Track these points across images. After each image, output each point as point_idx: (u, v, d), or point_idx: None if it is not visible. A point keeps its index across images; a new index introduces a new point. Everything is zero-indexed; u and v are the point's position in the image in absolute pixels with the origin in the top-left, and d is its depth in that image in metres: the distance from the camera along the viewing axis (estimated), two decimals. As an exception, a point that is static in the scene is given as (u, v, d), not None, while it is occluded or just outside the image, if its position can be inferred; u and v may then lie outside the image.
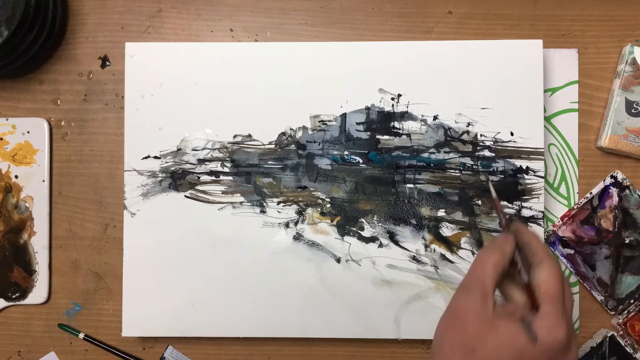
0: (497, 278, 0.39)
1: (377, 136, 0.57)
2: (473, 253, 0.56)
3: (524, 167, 0.56)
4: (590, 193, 0.57)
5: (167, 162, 0.57)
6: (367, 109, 0.57)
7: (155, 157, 0.57)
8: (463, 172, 0.56)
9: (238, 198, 0.57)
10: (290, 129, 0.57)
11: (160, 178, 0.57)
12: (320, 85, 0.57)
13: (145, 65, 0.58)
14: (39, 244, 0.59)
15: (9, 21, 0.53)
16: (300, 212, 0.57)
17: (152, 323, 0.57)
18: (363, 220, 0.56)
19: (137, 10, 0.60)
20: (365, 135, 0.57)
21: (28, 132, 0.60)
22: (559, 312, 0.37)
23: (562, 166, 0.58)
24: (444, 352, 0.39)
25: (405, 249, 0.56)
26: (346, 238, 0.56)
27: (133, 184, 0.57)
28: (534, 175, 0.56)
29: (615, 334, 0.57)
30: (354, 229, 0.56)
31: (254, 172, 0.57)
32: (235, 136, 0.57)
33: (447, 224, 0.56)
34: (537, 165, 0.56)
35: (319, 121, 0.57)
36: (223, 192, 0.57)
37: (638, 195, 0.57)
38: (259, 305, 0.56)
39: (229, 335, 0.57)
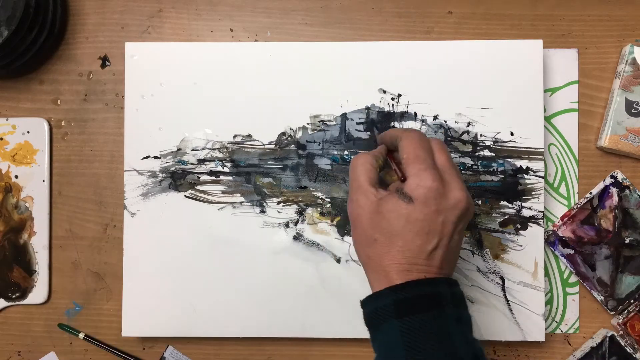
0: (368, 174, 0.44)
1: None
2: (473, 253, 0.56)
3: (524, 167, 0.56)
4: (590, 193, 0.57)
5: (167, 162, 0.57)
6: (367, 109, 0.57)
7: (155, 157, 0.57)
8: (463, 172, 0.56)
9: (238, 198, 0.57)
10: (290, 129, 0.57)
11: (160, 178, 0.57)
12: (320, 85, 0.57)
13: (145, 65, 0.58)
14: (39, 244, 0.59)
15: (9, 21, 0.53)
16: (300, 212, 0.57)
17: (152, 323, 0.57)
18: (363, 220, 0.56)
19: (137, 10, 0.60)
20: (365, 135, 0.57)
21: (28, 132, 0.60)
22: (422, 166, 0.41)
23: (562, 166, 0.58)
24: (363, 260, 0.44)
25: (405, 249, 0.56)
26: (346, 238, 0.56)
27: (133, 184, 0.57)
28: (534, 175, 0.56)
29: (615, 334, 0.57)
30: (354, 229, 0.56)
31: (254, 172, 0.57)
32: (235, 136, 0.57)
33: (447, 224, 0.56)
34: (537, 165, 0.56)
35: (319, 121, 0.57)
36: (223, 192, 0.57)
37: (638, 195, 0.57)
38: (259, 305, 0.56)
39: (229, 335, 0.57)
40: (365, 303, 0.42)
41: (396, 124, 0.56)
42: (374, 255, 0.42)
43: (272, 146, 0.57)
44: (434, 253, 0.41)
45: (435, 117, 0.56)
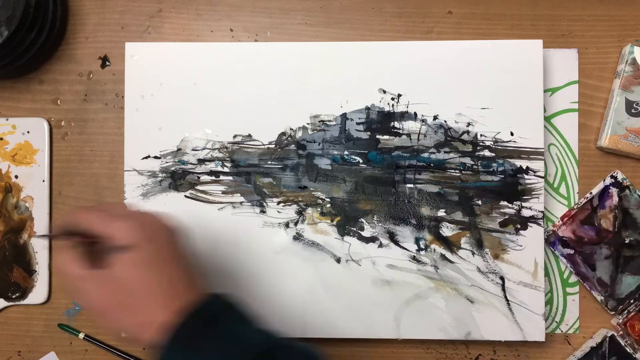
0: (69, 262, 0.42)
1: (377, 136, 0.57)
2: (473, 253, 0.56)
3: (524, 167, 0.56)
4: (590, 193, 0.57)
5: (167, 162, 0.57)
6: (367, 109, 0.57)
7: (155, 157, 0.57)
8: (463, 172, 0.56)
9: (238, 198, 0.57)
10: (290, 129, 0.57)
11: (160, 178, 0.57)
12: (320, 85, 0.57)
13: (145, 65, 0.58)
14: (39, 244, 0.59)
15: (9, 21, 0.53)
16: (300, 212, 0.57)
17: (152, 323, 0.57)
18: (363, 220, 0.56)
19: (137, 10, 0.60)
20: (365, 135, 0.57)
21: (28, 132, 0.60)
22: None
23: (562, 166, 0.58)
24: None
25: (405, 249, 0.56)
26: (346, 238, 0.56)
27: (133, 184, 0.57)
28: (534, 175, 0.56)
29: (615, 334, 0.57)
30: (354, 229, 0.56)
31: (254, 172, 0.57)
32: (235, 136, 0.57)
33: (447, 224, 0.56)
34: (537, 165, 0.56)
35: (319, 121, 0.57)
36: (223, 192, 0.57)
37: (638, 195, 0.57)
38: (259, 305, 0.56)
39: (229, 335, 0.57)
40: None
41: (396, 124, 0.56)
42: None
43: (272, 146, 0.57)
44: None
45: (435, 117, 0.56)
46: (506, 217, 0.56)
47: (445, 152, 0.56)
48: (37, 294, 0.59)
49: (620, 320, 0.57)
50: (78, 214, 0.43)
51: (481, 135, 0.56)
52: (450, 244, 0.56)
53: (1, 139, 0.60)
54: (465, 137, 0.56)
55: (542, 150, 0.56)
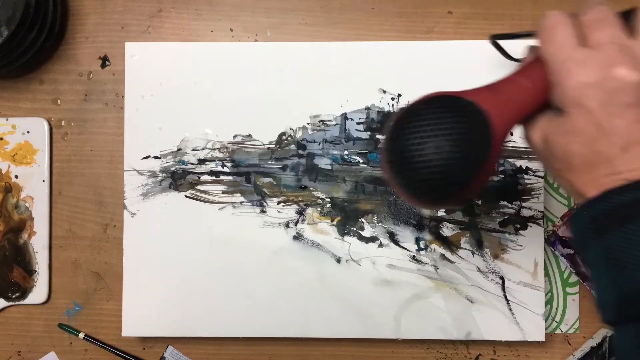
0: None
1: (377, 136, 0.57)
2: (473, 253, 0.56)
3: (524, 167, 0.56)
4: (590, 193, 0.57)
5: (167, 162, 0.57)
6: (367, 109, 0.57)
7: (156, 157, 0.57)
8: (463, 172, 0.56)
9: (238, 198, 0.57)
10: (290, 129, 0.57)
11: (160, 178, 0.57)
12: (320, 85, 0.57)
13: (145, 65, 0.58)
14: (39, 244, 0.59)
15: (9, 21, 0.53)
16: (300, 212, 0.57)
17: (152, 323, 0.57)
18: (363, 220, 0.56)
19: (137, 10, 0.60)
20: (365, 135, 0.57)
21: (28, 132, 0.60)
22: None
23: (562, 166, 0.58)
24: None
25: (405, 249, 0.56)
26: (346, 238, 0.56)
27: (133, 184, 0.57)
28: (534, 175, 0.56)
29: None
30: (354, 229, 0.56)
31: (254, 172, 0.57)
32: (235, 136, 0.57)
33: (447, 224, 0.56)
34: (537, 165, 0.56)
35: (319, 121, 0.57)
36: (223, 192, 0.57)
37: (638, 195, 0.57)
38: (259, 305, 0.56)
39: (229, 335, 0.57)
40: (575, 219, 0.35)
41: (396, 124, 0.56)
42: None
43: (272, 146, 0.57)
44: None
45: (435, 117, 0.56)
46: (506, 217, 0.56)
47: (445, 152, 0.56)
48: (37, 294, 0.59)
49: (620, 320, 0.57)
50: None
51: (481, 135, 0.56)
52: (450, 244, 0.56)
53: (1, 139, 0.60)
54: (465, 137, 0.56)
55: (542, 150, 0.56)
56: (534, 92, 0.35)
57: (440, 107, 0.35)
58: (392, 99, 0.56)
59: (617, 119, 0.32)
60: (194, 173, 0.57)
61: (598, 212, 0.33)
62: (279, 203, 0.57)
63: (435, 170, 0.34)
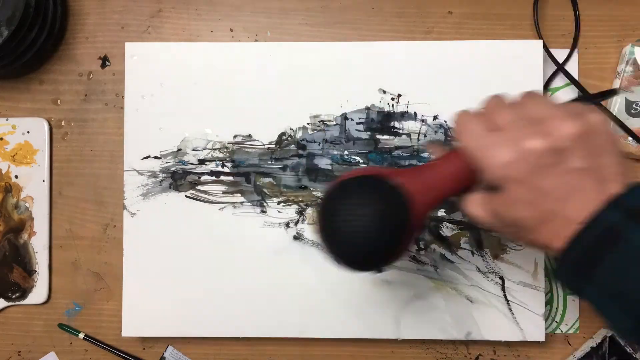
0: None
1: (377, 136, 0.57)
2: (473, 253, 0.56)
3: (524, 167, 0.56)
4: (590, 193, 0.57)
5: (167, 162, 0.57)
6: (367, 109, 0.57)
7: (156, 157, 0.57)
8: (463, 172, 0.56)
9: (238, 198, 0.57)
10: (290, 129, 0.57)
11: (160, 178, 0.57)
12: (320, 85, 0.57)
13: (145, 65, 0.58)
14: (39, 244, 0.59)
15: (9, 21, 0.53)
16: (300, 212, 0.57)
17: (152, 323, 0.57)
18: (363, 220, 0.56)
19: (137, 10, 0.60)
20: (365, 135, 0.57)
21: (28, 132, 0.60)
22: None
23: (562, 166, 0.58)
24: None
25: (405, 249, 0.56)
26: (346, 238, 0.56)
27: (133, 184, 0.57)
28: (534, 175, 0.56)
29: (615, 334, 0.57)
30: (354, 229, 0.56)
31: (254, 172, 0.57)
32: (235, 136, 0.57)
33: (447, 224, 0.56)
34: (537, 165, 0.56)
35: (319, 121, 0.57)
36: (223, 192, 0.57)
37: (638, 195, 0.57)
38: (259, 305, 0.56)
39: (229, 335, 0.57)
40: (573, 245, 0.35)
41: (396, 124, 0.56)
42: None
43: (272, 146, 0.57)
44: None
45: (435, 117, 0.56)
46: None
47: (445, 152, 0.56)
48: (37, 294, 0.59)
49: (620, 320, 0.57)
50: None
51: (481, 135, 0.56)
52: (450, 244, 0.56)
53: (1, 139, 0.60)
54: (465, 137, 0.56)
55: (542, 150, 0.56)
56: (453, 179, 0.40)
57: (367, 188, 0.39)
58: (392, 99, 0.56)
59: (547, 180, 0.35)
60: (194, 173, 0.57)
61: (575, 260, 0.35)
62: (279, 203, 0.57)
63: (357, 243, 0.38)
